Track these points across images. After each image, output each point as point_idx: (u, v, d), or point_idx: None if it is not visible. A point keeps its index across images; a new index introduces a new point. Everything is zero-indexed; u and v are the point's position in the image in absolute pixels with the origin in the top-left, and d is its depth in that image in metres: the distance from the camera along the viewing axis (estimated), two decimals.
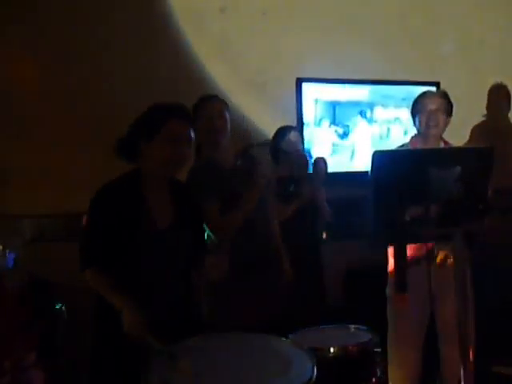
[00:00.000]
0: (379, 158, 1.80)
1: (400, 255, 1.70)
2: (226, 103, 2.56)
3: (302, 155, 3.30)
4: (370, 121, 3.99)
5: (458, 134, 3.20)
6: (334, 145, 3.91)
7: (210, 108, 2.48)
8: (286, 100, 3.78)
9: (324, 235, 3.36)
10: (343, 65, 3.90)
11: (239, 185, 2.45)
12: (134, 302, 1.79)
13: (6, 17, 3.36)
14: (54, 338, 2.96)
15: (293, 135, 3.26)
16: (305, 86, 3.77)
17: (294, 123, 3.73)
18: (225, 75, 3.76)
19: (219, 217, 2.39)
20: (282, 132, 3.28)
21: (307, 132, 3.79)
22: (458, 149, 2.23)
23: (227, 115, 2.51)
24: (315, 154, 3.81)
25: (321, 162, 3.36)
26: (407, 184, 1.81)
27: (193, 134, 1.99)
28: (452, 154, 1.88)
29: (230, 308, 2.38)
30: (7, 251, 3.06)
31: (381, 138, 4.04)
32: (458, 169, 1.84)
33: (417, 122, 2.81)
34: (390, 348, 2.80)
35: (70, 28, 3.43)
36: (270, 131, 3.48)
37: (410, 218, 1.81)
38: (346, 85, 3.90)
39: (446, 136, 2.76)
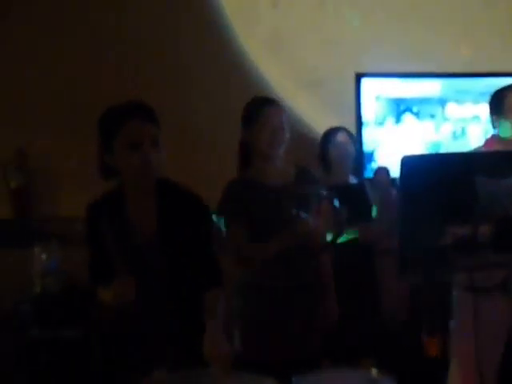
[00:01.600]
0: (409, 163, 1.39)
1: (432, 290, 1.30)
2: (285, 109, 2.22)
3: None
4: (444, 119, 3.48)
5: None
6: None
7: (271, 116, 2.13)
8: (344, 98, 3.38)
9: None
10: (409, 56, 3.40)
11: (284, 209, 2.09)
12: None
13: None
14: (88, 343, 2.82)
15: (340, 136, 2.86)
16: (365, 81, 3.34)
17: (352, 123, 3.34)
18: (277, 73, 3.44)
19: (244, 243, 2.06)
20: (329, 134, 2.89)
21: (367, 131, 3.36)
22: None
23: (287, 124, 2.17)
24: (378, 157, 3.41)
25: (382, 173, 2.84)
26: (447, 198, 1.38)
27: (158, 133, 1.68)
28: (508, 160, 1.42)
29: (259, 344, 2.09)
30: (44, 254, 2.97)
31: (455, 138, 3.52)
32: None
33: (502, 122, 2.34)
34: None
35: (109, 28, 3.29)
36: None
37: (450, 240, 1.39)
38: (413, 79, 3.41)
39: None
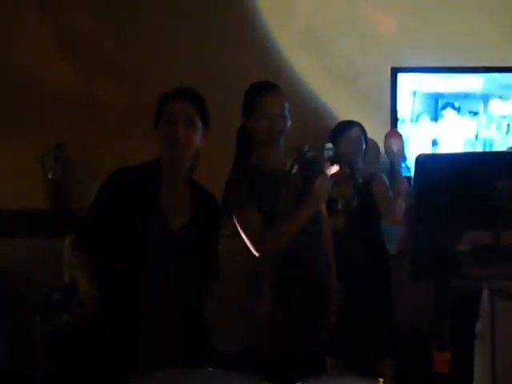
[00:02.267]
0: (425, 163, 1.29)
1: (445, 299, 1.20)
2: (283, 95, 2.15)
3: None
4: (487, 115, 3.29)
5: None
6: (434, 144, 3.29)
7: (270, 104, 2.08)
8: (380, 93, 3.25)
9: None
10: (449, 50, 3.24)
11: (291, 192, 2.08)
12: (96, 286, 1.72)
13: None
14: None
15: (354, 131, 2.77)
16: (401, 76, 3.20)
17: (387, 119, 3.23)
18: (311, 68, 3.34)
19: (260, 227, 2.02)
20: (343, 127, 2.81)
21: (402, 128, 3.20)
22: None
23: (287, 111, 2.12)
24: (412, 153, 3.28)
25: (395, 137, 2.75)
26: (465, 200, 1.28)
27: (195, 116, 1.84)
28: None
29: (268, 334, 2.04)
30: None
31: (499, 135, 3.32)
32: None
33: None
34: None
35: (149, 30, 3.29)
36: None
37: (469, 246, 1.29)
38: (452, 74, 3.24)
39: None
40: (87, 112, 3.26)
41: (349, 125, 2.81)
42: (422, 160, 1.28)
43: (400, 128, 3.22)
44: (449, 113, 3.30)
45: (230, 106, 3.30)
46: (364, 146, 2.81)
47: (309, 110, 3.35)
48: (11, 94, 3.24)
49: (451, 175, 1.27)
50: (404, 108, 3.24)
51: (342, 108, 3.33)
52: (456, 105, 3.29)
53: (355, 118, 3.11)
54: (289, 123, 2.11)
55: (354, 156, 2.73)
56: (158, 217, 1.76)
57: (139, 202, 1.75)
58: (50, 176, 3.24)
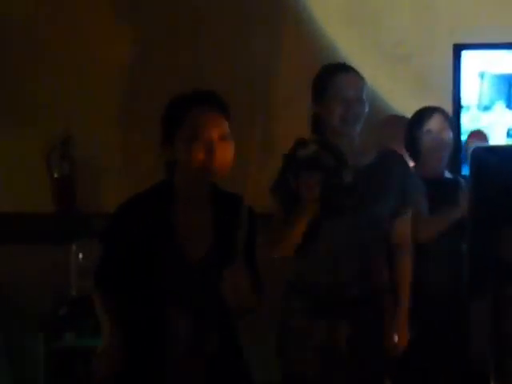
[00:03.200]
0: (481, 156, 1.09)
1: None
2: (362, 78, 2.12)
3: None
4: None
5: None
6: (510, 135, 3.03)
7: (345, 86, 2.04)
8: (440, 76, 3.10)
9: None
10: None
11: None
12: (120, 339, 1.66)
13: None
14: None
15: (435, 120, 2.52)
16: (465, 54, 2.98)
17: (449, 106, 2.96)
18: (357, 47, 3.22)
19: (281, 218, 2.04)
20: (421, 116, 2.57)
21: (467, 117, 2.99)
22: None
23: (365, 94, 2.09)
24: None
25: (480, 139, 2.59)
26: None
27: (226, 127, 1.62)
28: None
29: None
30: (81, 254, 2.99)
31: None
32: None
33: None
34: None
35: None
36: None
37: None
38: None
39: None
40: (96, 105, 3.22)
41: (428, 112, 2.55)
42: (477, 154, 1.08)
43: (465, 117, 2.98)
44: None
45: (263, 86, 3.30)
46: (450, 139, 2.55)
47: None
48: (11, 84, 3.21)
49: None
50: (469, 93, 3.00)
51: (393, 93, 3.20)
52: None
53: (411, 105, 2.91)
54: (366, 109, 2.07)
55: (437, 150, 2.51)
56: (174, 250, 1.65)
57: (155, 238, 1.65)
58: (55, 175, 3.22)
